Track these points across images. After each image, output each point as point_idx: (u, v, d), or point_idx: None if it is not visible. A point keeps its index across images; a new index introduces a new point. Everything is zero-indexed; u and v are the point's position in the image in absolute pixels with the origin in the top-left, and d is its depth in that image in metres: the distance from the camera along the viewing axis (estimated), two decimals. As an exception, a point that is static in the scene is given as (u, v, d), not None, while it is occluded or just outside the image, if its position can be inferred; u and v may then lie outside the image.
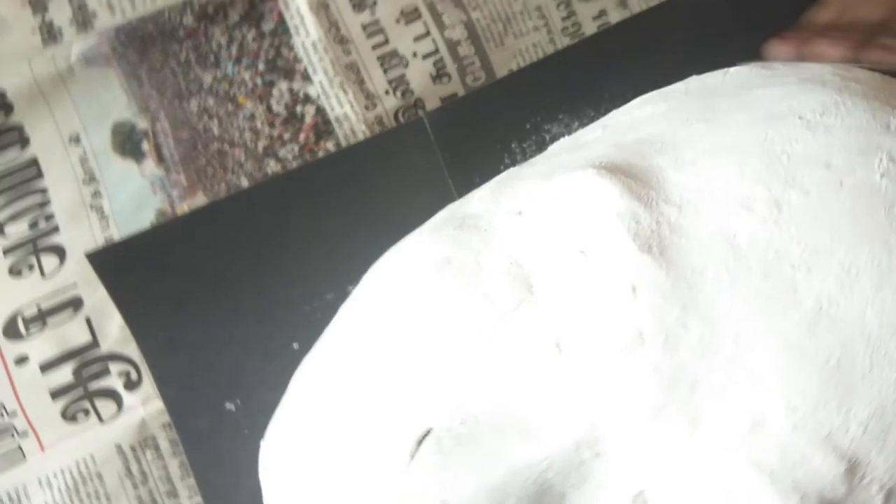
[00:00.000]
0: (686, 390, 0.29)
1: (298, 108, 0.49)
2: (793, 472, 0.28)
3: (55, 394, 0.45)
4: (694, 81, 0.38)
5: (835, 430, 0.28)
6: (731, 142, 0.33)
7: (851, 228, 0.30)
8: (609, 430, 0.29)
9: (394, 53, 0.50)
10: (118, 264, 0.46)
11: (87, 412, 0.45)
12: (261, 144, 0.49)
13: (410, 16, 0.50)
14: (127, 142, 0.48)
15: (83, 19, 0.49)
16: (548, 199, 0.34)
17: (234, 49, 0.50)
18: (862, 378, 0.28)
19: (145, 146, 0.48)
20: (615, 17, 0.50)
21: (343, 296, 0.39)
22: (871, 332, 0.28)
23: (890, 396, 0.28)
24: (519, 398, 0.30)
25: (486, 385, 0.31)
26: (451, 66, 0.50)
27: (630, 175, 0.32)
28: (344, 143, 0.49)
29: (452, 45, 0.50)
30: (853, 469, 0.28)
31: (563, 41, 0.50)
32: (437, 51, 0.50)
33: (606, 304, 0.30)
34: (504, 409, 0.30)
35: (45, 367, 0.46)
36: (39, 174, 0.48)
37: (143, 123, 0.49)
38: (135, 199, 0.48)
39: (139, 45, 0.49)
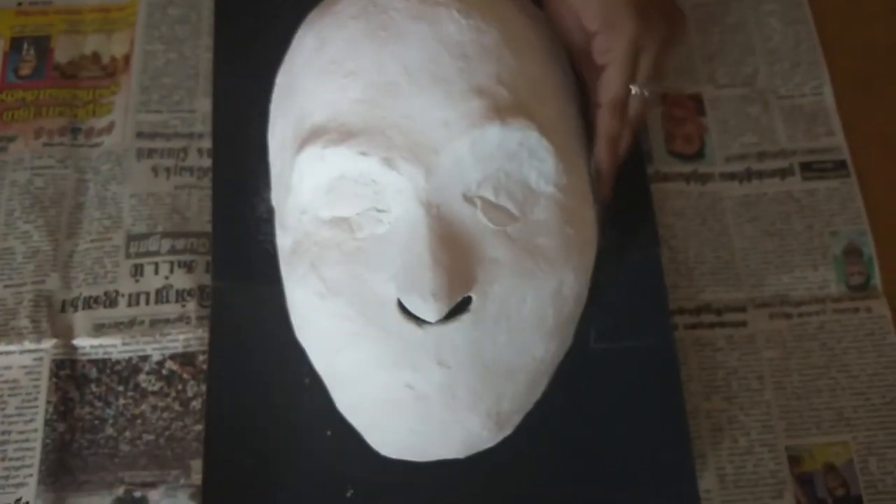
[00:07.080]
0: (415, 141, 0.52)
1: (164, 372, 0.65)
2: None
3: None
4: None
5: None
6: None
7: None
8: (429, 192, 0.52)
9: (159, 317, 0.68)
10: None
11: None
12: (177, 407, 0.64)
13: (140, 270, 0.69)
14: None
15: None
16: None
17: (98, 405, 0.64)
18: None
19: (137, 493, 0.62)
20: None
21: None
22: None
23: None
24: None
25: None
26: (197, 259, 0.69)
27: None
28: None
29: (183, 253, 0.69)
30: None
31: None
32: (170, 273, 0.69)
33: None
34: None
35: None
36: None
37: (119, 491, 0.62)
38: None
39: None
